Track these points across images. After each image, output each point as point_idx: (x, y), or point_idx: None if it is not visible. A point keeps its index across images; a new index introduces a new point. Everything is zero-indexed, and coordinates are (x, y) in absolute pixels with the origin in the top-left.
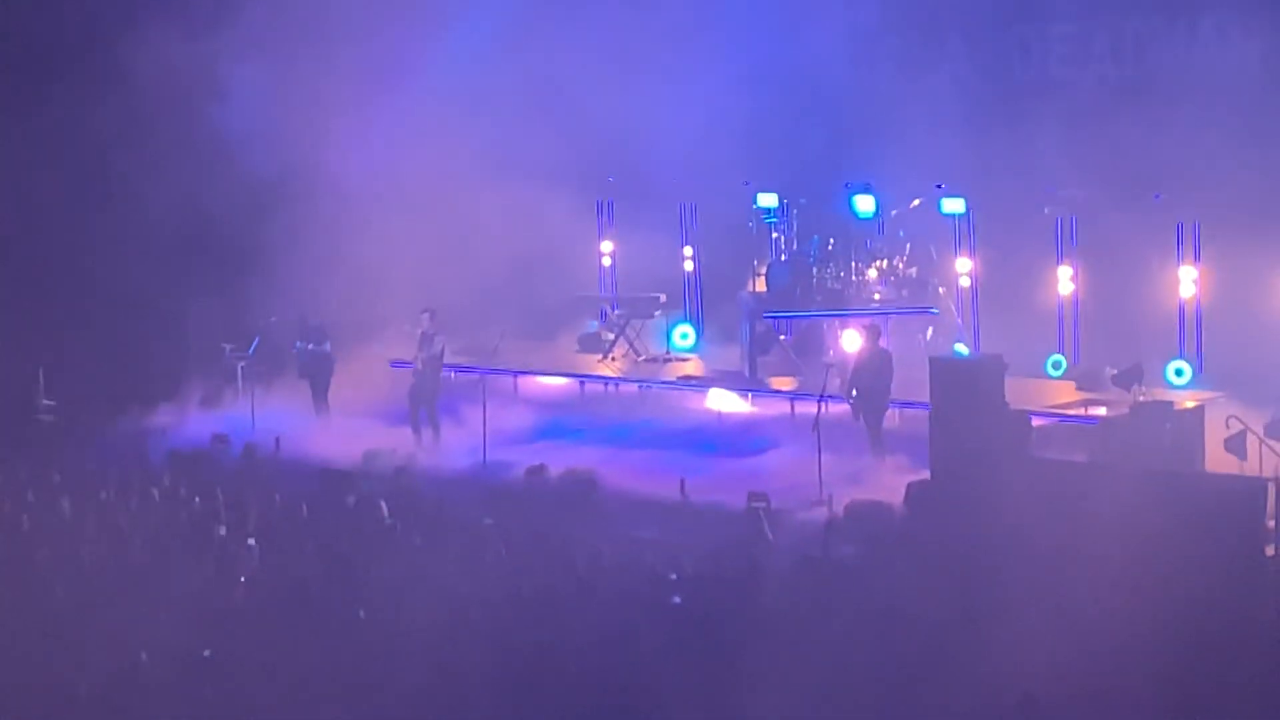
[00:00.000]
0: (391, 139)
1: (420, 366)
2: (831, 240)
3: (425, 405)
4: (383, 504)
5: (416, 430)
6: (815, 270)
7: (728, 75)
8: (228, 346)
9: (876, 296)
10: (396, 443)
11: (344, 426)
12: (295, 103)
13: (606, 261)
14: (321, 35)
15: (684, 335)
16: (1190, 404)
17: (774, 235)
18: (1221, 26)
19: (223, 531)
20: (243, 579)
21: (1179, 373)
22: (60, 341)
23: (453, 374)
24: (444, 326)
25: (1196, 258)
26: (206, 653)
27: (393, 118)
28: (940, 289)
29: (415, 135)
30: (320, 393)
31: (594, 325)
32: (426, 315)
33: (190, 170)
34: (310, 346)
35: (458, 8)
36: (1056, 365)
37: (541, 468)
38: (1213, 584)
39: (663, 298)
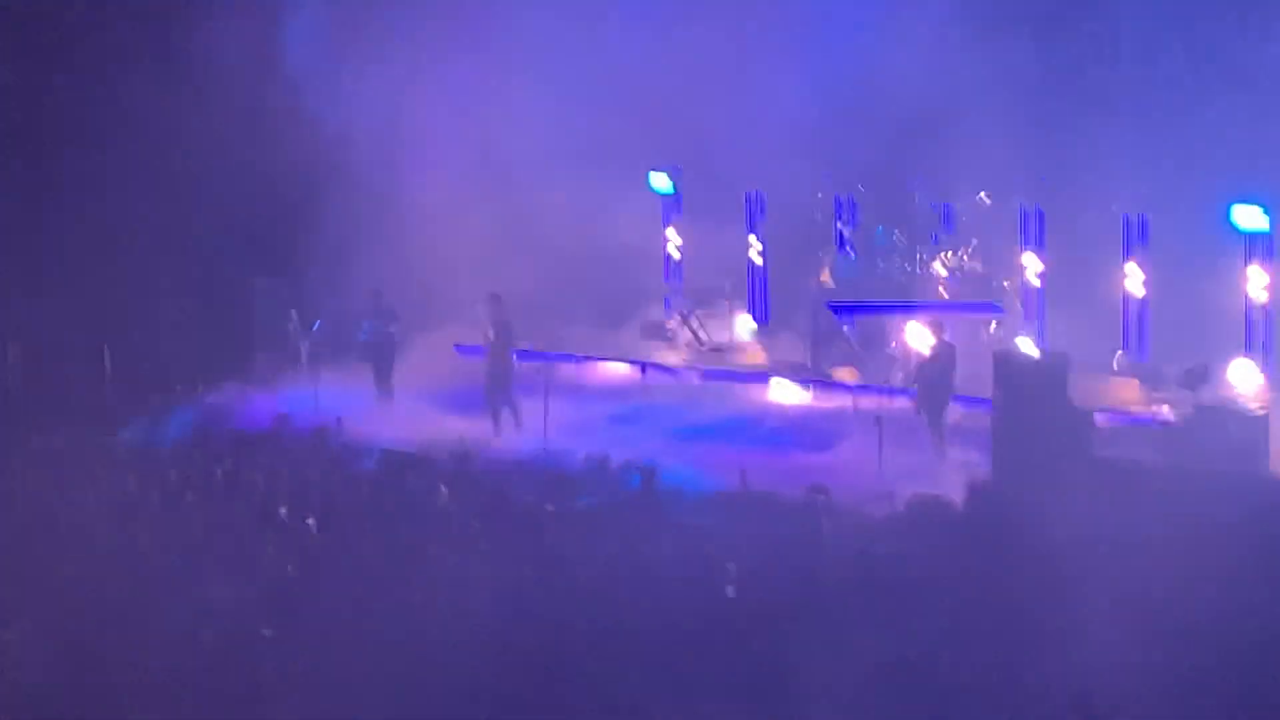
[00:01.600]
0: (463, 123)
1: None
2: (897, 233)
3: (501, 390)
4: (442, 488)
5: (495, 416)
6: (880, 263)
7: (797, 65)
8: (292, 326)
9: (942, 290)
10: (459, 427)
11: (407, 409)
12: (366, 85)
13: (673, 250)
14: (395, 17)
15: (748, 325)
16: (1257, 405)
17: (839, 226)
18: None
19: (284, 511)
20: (301, 559)
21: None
22: (126, 319)
23: (515, 357)
24: (504, 311)
25: (1267, 258)
26: (267, 632)
27: (465, 102)
28: (1005, 284)
29: (486, 120)
30: (383, 375)
31: (659, 313)
32: (488, 300)
33: (259, 148)
34: (373, 326)
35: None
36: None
37: (603, 455)
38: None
39: (728, 286)
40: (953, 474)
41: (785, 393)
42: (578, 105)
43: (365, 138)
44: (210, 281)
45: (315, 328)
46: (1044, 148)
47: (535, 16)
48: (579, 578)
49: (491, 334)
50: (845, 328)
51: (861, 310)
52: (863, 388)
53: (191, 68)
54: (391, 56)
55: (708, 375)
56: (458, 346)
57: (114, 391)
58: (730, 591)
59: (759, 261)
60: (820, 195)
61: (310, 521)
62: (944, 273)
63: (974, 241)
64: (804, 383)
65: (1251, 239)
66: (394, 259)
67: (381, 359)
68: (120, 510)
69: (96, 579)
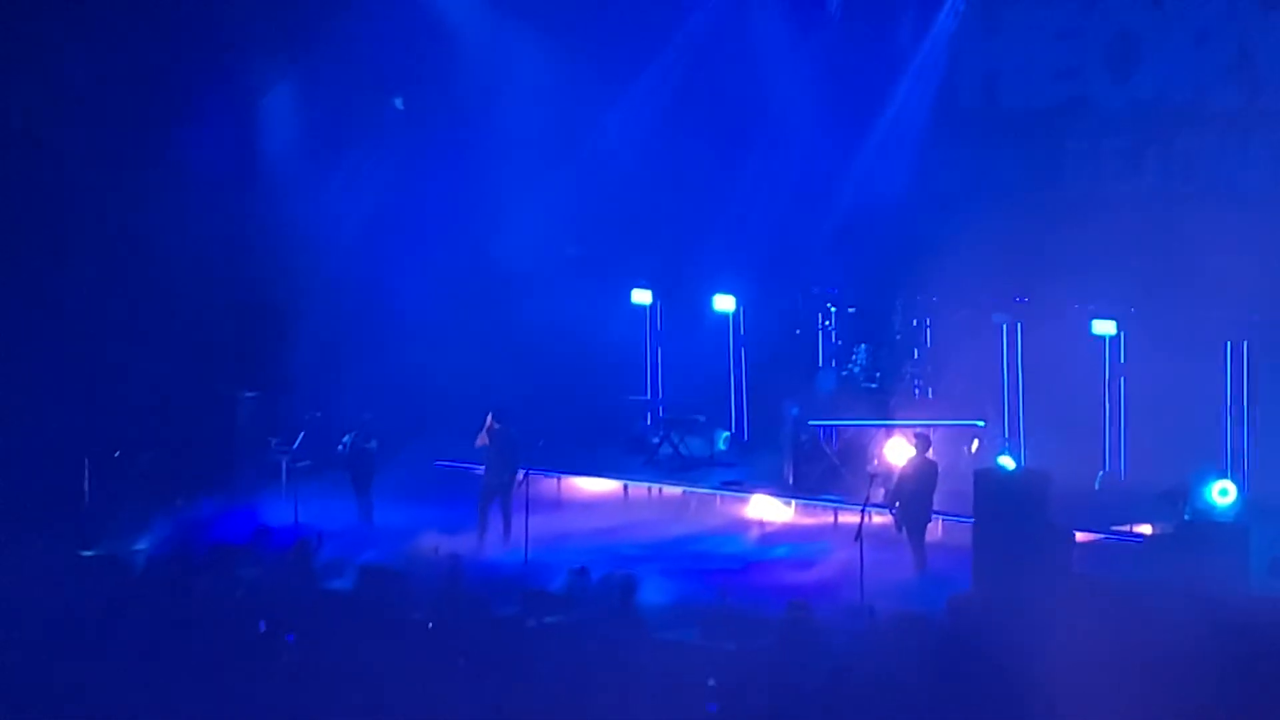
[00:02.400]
0: (446, 238)
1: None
2: (878, 349)
3: (499, 503)
4: (422, 603)
5: (483, 529)
6: (862, 380)
7: (783, 184)
8: (273, 440)
9: (922, 407)
10: (440, 542)
11: (388, 525)
12: (350, 198)
13: (653, 365)
14: (375, 130)
15: (728, 440)
16: (1235, 525)
17: (821, 343)
18: (1272, 142)
19: (263, 627)
20: (281, 674)
21: (1223, 493)
22: (106, 430)
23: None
24: (509, 424)
25: (1245, 375)
26: None
27: (446, 217)
28: (990, 408)
29: (469, 234)
30: (363, 489)
31: (640, 428)
32: (493, 413)
33: (244, 262)
34: (353, 441)
35: (515, 105)
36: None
37: (583, 570)
38: (1254, 711)
39: (702, 418)
40: (933, 591)
41: (766, 509)
42: (561, 221)
43: (352, 253)
44: (192, 394)
45: (298, 442)
46: (1026, 264)
47: (520, 130)
48: (559, 693)
49: (493, 447)
50: (826, 444)
51: (842, 426)
52: (843, 503)
53: (170, 179)
54: (376, 175)
55: (689, 491)
56: (438, 462)
57: (93, 505)
58: (712, 708)
59: (740, 377)
60: (802, 313)
61: (290, 637)
62: (924, 389)
63: (953, 358)
64: (785, 498)
65: (1229, 356)
66: (376, 372)
67: (361, 474)
68: (97, 623)
69: (72, 692)
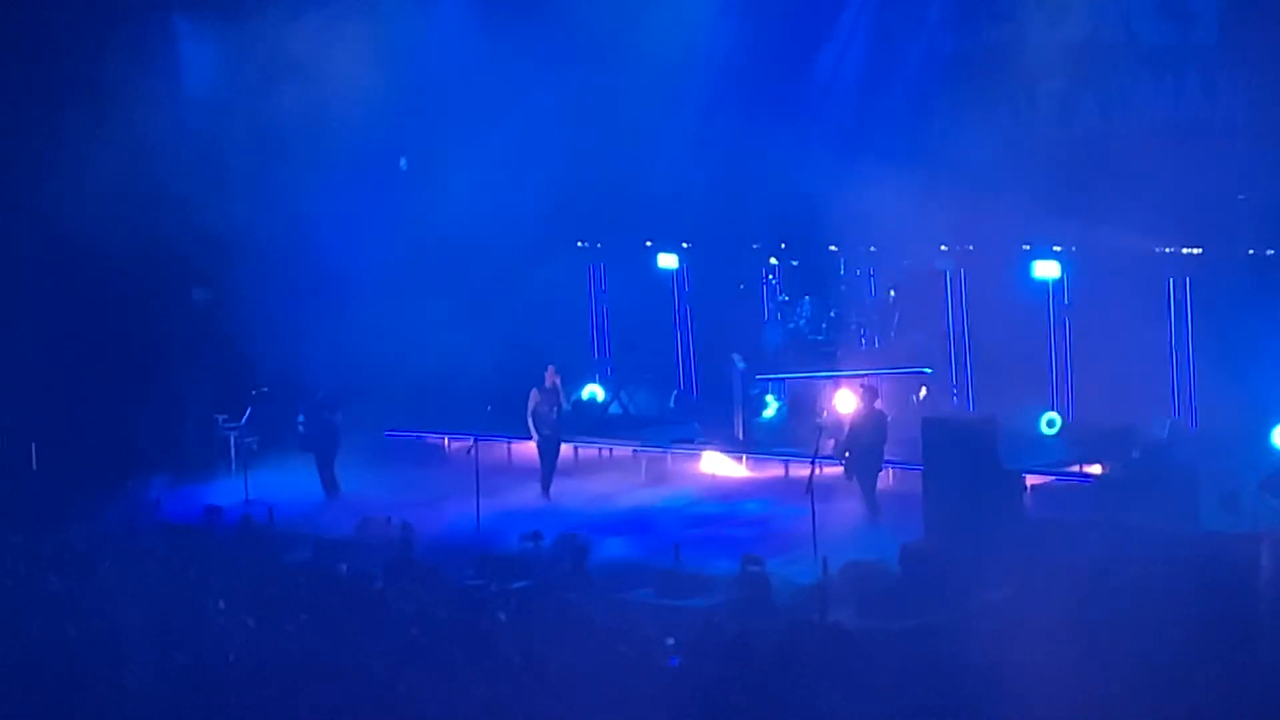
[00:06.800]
0: (385, 205)
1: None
2: (823, 301)
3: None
4: (377, 573)
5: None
6: (808, 332)
7: (721, 139)
8: (220, 417)
9: (869, 357)
10: (390, 512)
11: (342, 497)
12: (296, 171)
13: (599, 324)
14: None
15: (678, 398)
16: (1185, 462)
17: (765, 297)
18: (1206, 76)
19: (222, 605)
20: (237, 654)
21: (1050, 423)
22: (53, 412)
23: (446, 439)
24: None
25: (1189, 310)
26: None
27: (384, 189)
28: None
29: (407, 198)
30: (326, 467)
31: (589, 389)
32: (550, 369)
33: (184, 238)
34: (313, 415)
35: (451, 61)
36: (1050, 424)
37: (535, 533)
38: (1209, 642)
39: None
40: (885, 539)
41: (717, 464)
42: (503, 182)
43: (296, 227)
44: (136, 374)
45: (246, 416)
46: (965, 211)
47: (459, 88)
48: (514, 657)
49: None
50: (770, 396)
51: (790, 379)
52: (794, 456)
53: (126, 148)
54: (322, 145)
55: (639, 449)
56: (388, 432)
57: (42, 488)
58: (674, 661)
59: (686, 334)
60: (745, 267)
61: (249, 619)
62: (871, 339)
63: (897, 310)
64: (735, 454)
65: (1170, 295)
66: (325, 347)
67: (324, 450)
68: (48, 607)
69: (24, 678)
